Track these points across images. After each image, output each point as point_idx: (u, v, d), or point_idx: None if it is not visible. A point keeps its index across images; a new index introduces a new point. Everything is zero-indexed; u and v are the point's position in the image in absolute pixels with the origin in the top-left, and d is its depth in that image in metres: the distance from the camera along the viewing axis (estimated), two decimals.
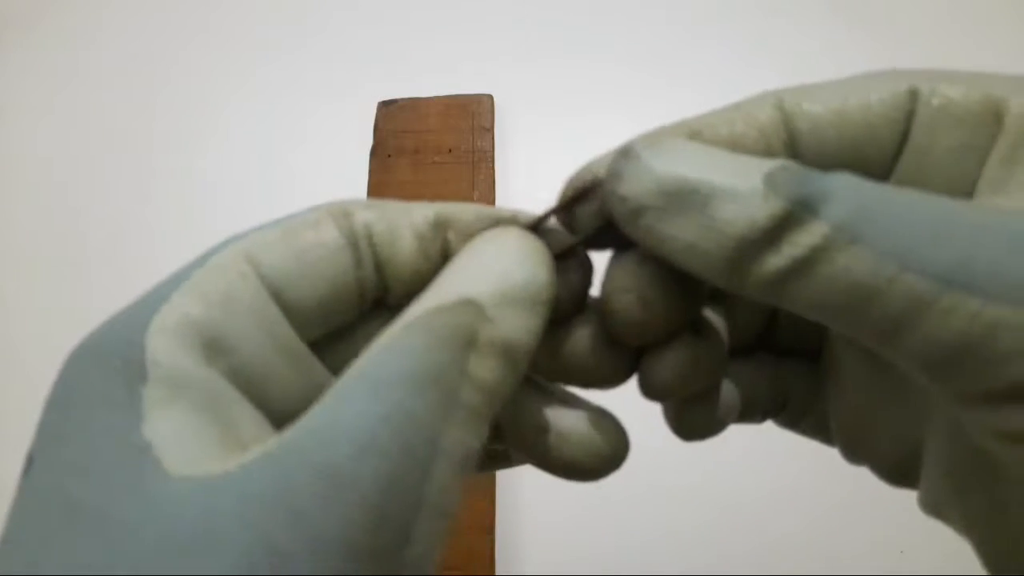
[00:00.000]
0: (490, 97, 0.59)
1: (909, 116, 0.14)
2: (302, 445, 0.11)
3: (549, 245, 0.15)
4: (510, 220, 0.16)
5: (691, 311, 0.16)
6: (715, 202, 0.12)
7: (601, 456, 0.16)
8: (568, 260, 0.16)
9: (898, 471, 0.17)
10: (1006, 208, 0.12)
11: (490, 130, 0.58)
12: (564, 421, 0.16)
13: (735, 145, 0.15)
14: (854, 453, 0.19)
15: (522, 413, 0.17)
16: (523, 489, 0.51)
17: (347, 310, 0.15)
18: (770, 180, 0.12)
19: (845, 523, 0.47)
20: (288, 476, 0.11)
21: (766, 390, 0.19)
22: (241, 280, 0.14)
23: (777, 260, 0.12)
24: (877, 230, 0.11)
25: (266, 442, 0.12)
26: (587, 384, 0.17)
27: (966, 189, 0.14)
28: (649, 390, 0.17)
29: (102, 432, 0.12)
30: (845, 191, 0.12)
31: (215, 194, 0.61)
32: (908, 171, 0.14)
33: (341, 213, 0.15)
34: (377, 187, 0.57)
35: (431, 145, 0.58)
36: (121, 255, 0.59)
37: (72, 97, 0.65)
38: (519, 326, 0.13)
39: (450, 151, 0.57)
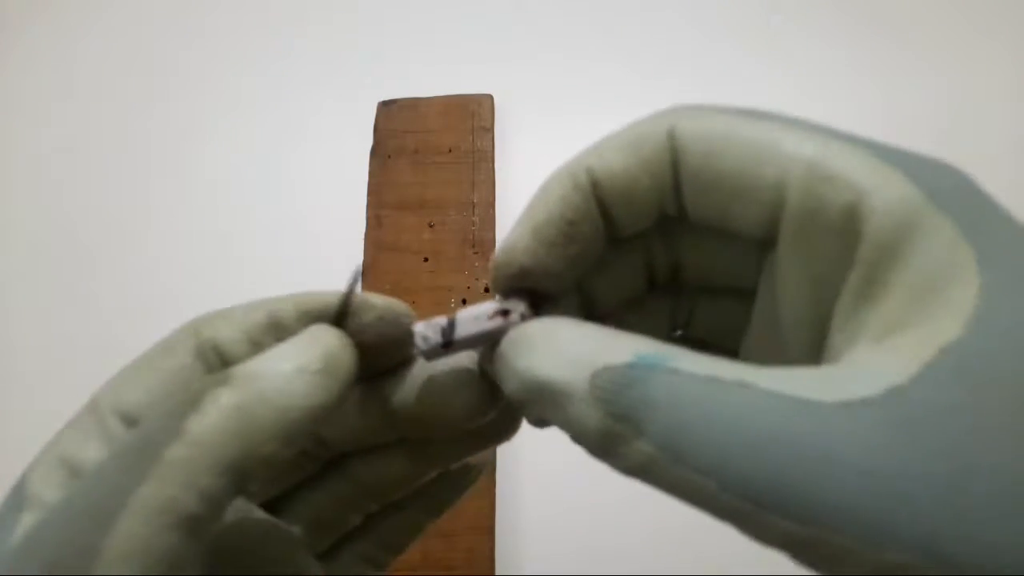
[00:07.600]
0: (490, 97, 0.59)
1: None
2: None
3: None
4: (322, 309, 0.17)
5: None
6: (565, 401, 0.13)
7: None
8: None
9: None
10: (821, 401, 0.12)
11: (490, 130, 0.58)
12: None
13: (631, 176, 0.16)
14: None
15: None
16: (523, 489, 0.51)
17: None
18: (595, 383, 0.13)
19: None
20: None
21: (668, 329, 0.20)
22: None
23: (621, 462, 0.13)
24: (697, 449, 0.12)
25: None
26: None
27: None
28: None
29: None
30: (667, 402, 0.12)
31: (215, 194, 0.61)
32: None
33: (192, 332, 0.16)
34: (377, 187, 0.57)
35: (431, 145, 0.58)
36: (120, 254, 0.59)
37: (71, 96, 0.65)
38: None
39: (450, 151, 0.57)
